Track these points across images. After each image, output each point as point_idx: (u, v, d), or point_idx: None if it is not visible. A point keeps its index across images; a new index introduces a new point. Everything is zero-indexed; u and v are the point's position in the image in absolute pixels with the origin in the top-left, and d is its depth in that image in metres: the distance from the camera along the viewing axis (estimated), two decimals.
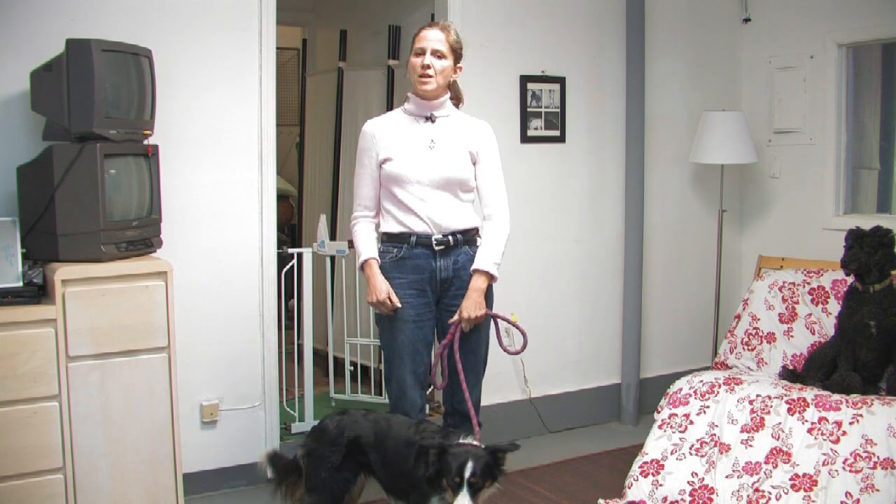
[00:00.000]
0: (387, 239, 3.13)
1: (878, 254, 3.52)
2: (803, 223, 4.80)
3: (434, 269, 3.08)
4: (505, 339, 3.26)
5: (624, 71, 4.74)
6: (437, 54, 3.06)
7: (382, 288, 3.05)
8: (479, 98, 4.24)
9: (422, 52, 3.06)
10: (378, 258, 3.11)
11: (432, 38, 3.06)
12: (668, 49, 4.90)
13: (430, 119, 3.12)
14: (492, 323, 3.20)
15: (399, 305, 3.05)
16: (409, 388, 3.11)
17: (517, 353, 3.21)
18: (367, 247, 3.12)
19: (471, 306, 3.04)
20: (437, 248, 3.06)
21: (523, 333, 3.16)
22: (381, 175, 3.10)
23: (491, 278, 3.09)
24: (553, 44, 4.58)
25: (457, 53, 3.12)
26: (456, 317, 3.06)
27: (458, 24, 4.05)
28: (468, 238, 3.13)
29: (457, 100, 3.23)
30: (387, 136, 3.11)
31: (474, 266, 3.07)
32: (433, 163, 3.06)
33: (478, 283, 3.05)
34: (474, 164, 3.13)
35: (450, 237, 3.07)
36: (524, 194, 4.44)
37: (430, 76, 3.05)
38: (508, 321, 3.19)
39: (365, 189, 3.15)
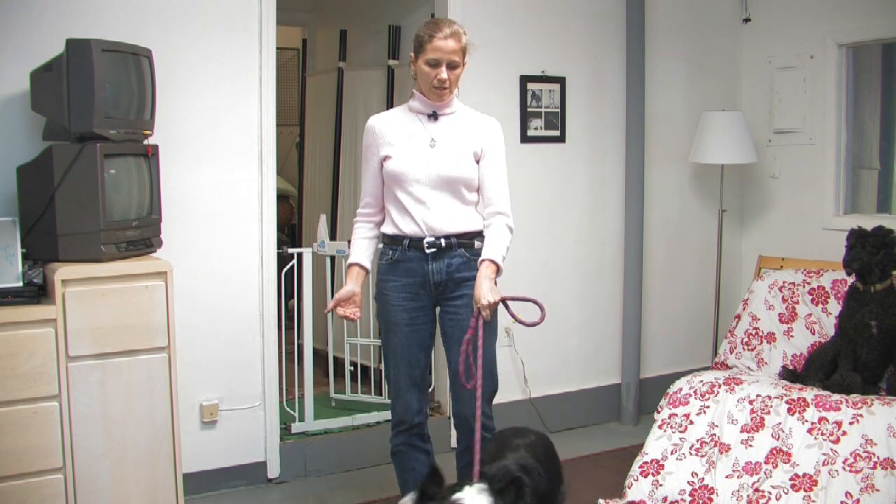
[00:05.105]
0: (387, 241, 3.12)
1: (880, 254, 3.52)
2: (803, 223, 4.80)
3: (427, 272, 3.04)
4: (518, 315, 3.02)
5: (624, 71, 4.74)
6: (452, 65, 2.99)
7: (341, 295, 3.06)
8: (479, 98, 4.23)
9: (437, 64, 2.97)
10: (362, 263, 3.11)
11: (447, 50, 2.95)
12: (668, 49, 4.90)
13: (434, 117, 3.07)
14: (500, 308, 2.99)
15: (356, 318, 3.07)
16: (404, 391, 3.10)
17: (535, 324, 2.94)
18: (356, 250, 3.13)
19: (486, 292, 2.87)
20: (428, 250, 3.01)
21: (541, 306, 2.93)
22: (382, 173, 3.07)
23: (498, 270, 2.97)
24: (553, 44, 4.58)
25: (465, 54, 3.04)
26: (475, 310, 2.88)
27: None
28: (464, 241, 3.06)
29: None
30: (388, 133, 3.07)
31: (482, 257, 2.97)
32: (433, 162, 3.02)
33: (488, 272, 2.92)
34: (478, 162, 3.07)
35: (442, 240, 3.01)
36: (524, 194, 4.44)
37: (446, 89, 3.00)
38: (526, 298, 2.96)
39: (368, 186, 3.13)
